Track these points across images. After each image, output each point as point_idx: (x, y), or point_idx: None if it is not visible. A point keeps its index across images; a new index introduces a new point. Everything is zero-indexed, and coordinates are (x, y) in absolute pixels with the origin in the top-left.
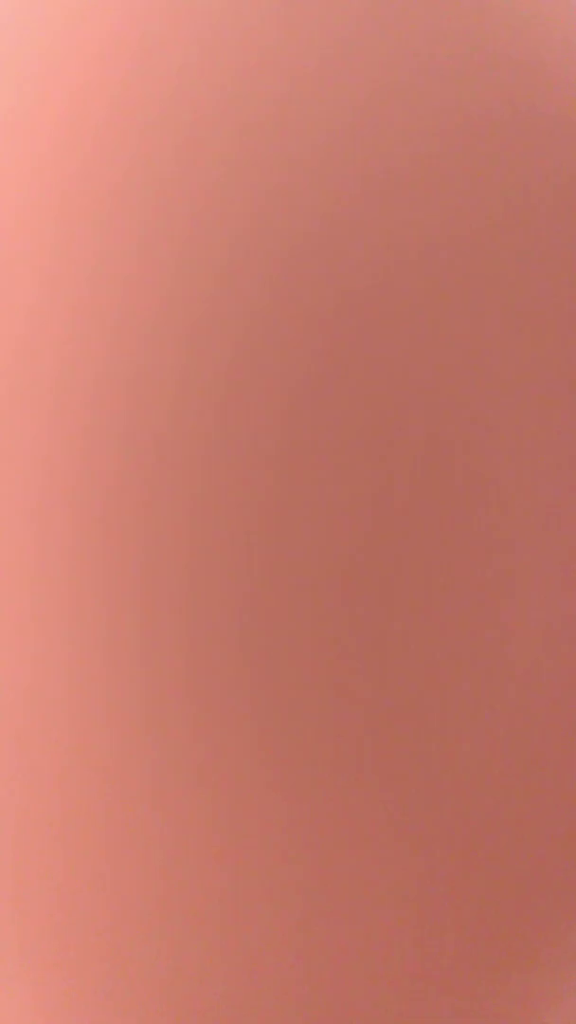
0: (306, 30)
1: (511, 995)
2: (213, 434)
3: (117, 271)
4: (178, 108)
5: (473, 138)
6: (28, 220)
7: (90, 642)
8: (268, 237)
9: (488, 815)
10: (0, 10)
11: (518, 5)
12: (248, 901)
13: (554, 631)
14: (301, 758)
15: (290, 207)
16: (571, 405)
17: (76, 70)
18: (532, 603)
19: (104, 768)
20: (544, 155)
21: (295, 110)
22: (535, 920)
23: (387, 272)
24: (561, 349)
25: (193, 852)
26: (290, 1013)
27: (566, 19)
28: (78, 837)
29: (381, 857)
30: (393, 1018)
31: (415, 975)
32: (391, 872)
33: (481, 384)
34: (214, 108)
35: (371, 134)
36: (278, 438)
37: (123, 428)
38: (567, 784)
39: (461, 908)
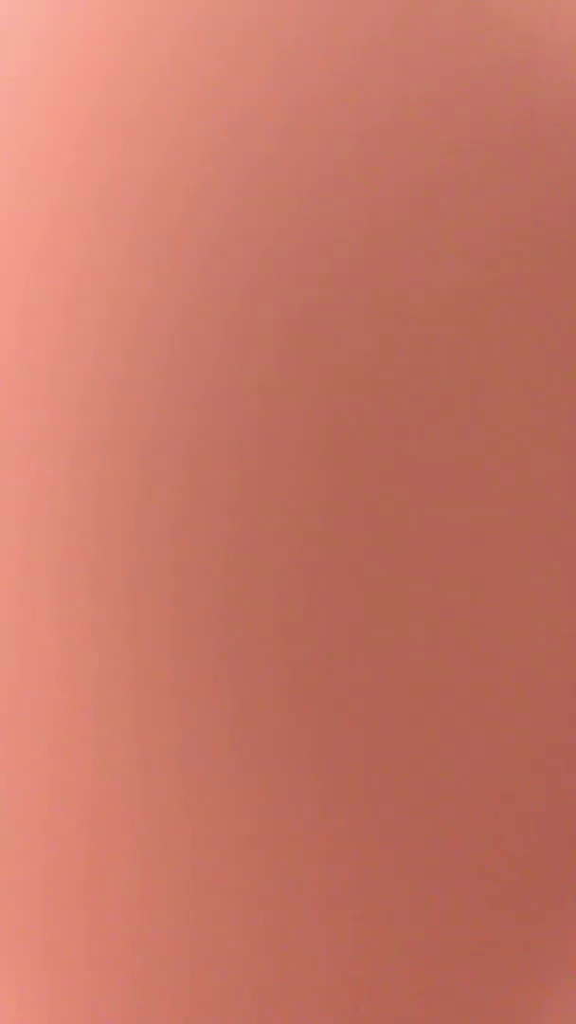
0: (302, 32)
1: (511, 995)
2: (203, 433)
3: (105, 271)
4: (169, 103)
5: (476, 144)
6: (19, 217)
7: (78, 638)
8: (267, 236)
9: (488, 814)
10: None
11: (519, 13)
12: (237, 900)
13: (553, 632)
14: (291, 757)
15: (286, 202)
16: (571, 405)
17: (68, 61)
18: (532, 603)
19: (89, 763)
20: (547, 161)
21: (292, 109)
22: (535, 919)
23: (388, 274)
24: (562, 349)
25: (176, 848)
26: (284, 1012)
27: (568, 26)
28: (63, 832)
29: (380, 857)
30: (393, 1018)
31: (414, 975)
32: (390, 872)
33: (482, 384)
34: (207, 101)
35: (371, 133)
36: (267, 437)
37: (111, 430)
38: (567, 784)
39: (460, 908)
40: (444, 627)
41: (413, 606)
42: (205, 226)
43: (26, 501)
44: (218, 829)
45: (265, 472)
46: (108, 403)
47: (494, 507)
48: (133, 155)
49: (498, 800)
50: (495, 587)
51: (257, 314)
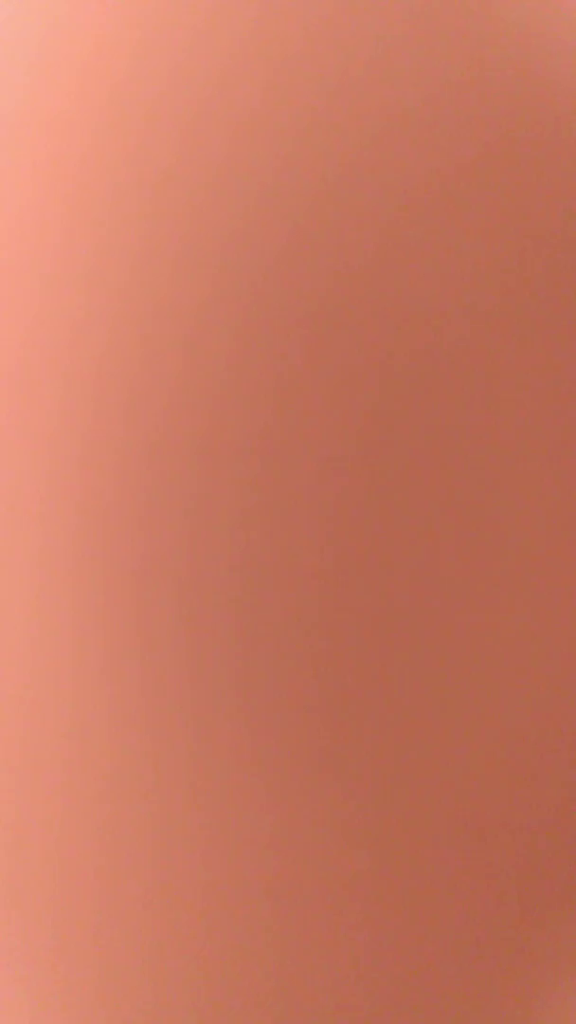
0: (305, 40)
1: (511, 995)
2: (211, 432)
3: (115, 275)
4: (174, 109)
5: (477, 148)
6: (28, 222)
7: (89, 641)
8: (267, 238)
9: (488, 814)
10: None
11: (522, 16)
12: (241, 898)
13: (554, 628)
14: (298, 756)
15: (289, 204)
16: (571, 406)
17: (73, 66)
18: (538, 604)
19: (101, 765)
20: (549, 165)
21: (293, 112)
22: (535, 919)
23: (390, 274)
24: (563, 349)
25: (187, 851)
26: (283, 1012)
27: (570, 29)
28: (75, 832)
29: (379, 857)
30: (394, 1016)
31: (414, 975)
32: (390, 872)
33: (483, 385)
34: (211, 105)
35: (373, 133)
36: (275, 437)
37: (122, 430)
38: (568, 783)
39: (461, 907)
40: (450, 628)
41: (420, 606)
42: (211, 233)
43: (36, 508)
44: (227, 827)
45: (274, 476)
46: (118, 404)
47: (500, 511)
48: (140, 156)
49: (499, 800)
50: (501, 591)
51: (263, 319)
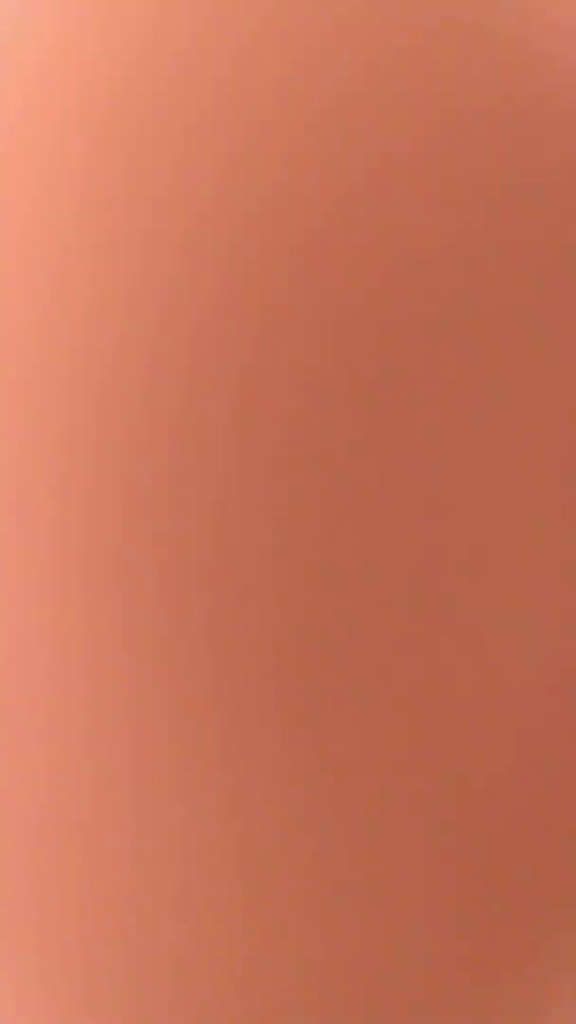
0: (304, 23)
1: (511, 995)
2: (224, 436)
3: (119, 281)
4: (173, 119)
5: (476, 131)
6: (29, 234)
7: (69, 635)
8: (268, 240)
9: (488, 813)
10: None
11: (522, 16)
12: (231, 901)
13: (556, 627)
14: (291, 751)
15: (288, 205)
16: (572, 407)
17: (74, 74)
18: (534, 599)
19: (125, 759)
20: (550, 148)
21: (292, 106)
22: (535, 919)
23: (387, 270)
24: (563, 348)
25: (210, 843)
26: (286, 1011)
27: (572, 10)
28: (98, 822)
29: (380, 858)
30: (392, 1018)
31: (414, 975)
32: (390, 872)
33: (483, 385)
34: (212, 110)
35: (372, 131)
36: (261, 431)
37: (100, 415)
38: (568, 783)
39: (460, 907)
40: (442, 622)
41: (410, 601)
42: (191, 211)
43: (15, 493)
44: (212, 824)
45: (257, 463)
46: (97, 383)
47: (495, 508)
48: (138, 163)
49: (497, 799)
50: (495, 584)
51: (253, 301)
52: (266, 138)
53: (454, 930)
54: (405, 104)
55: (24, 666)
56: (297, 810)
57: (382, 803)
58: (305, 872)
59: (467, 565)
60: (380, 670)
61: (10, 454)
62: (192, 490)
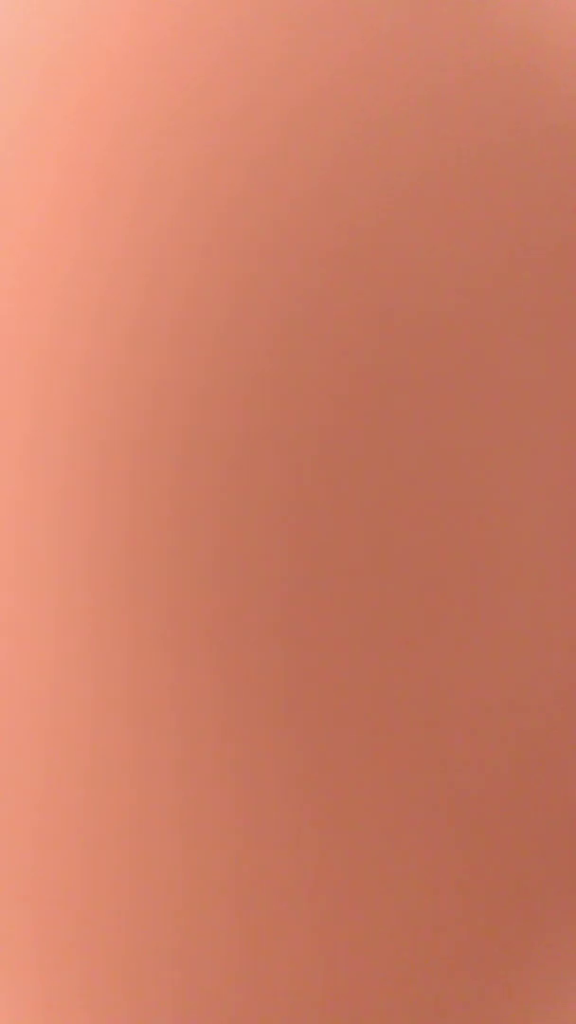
0: (309, 45)
1: (511, 995)
2: (199, 426)
3: (101, 262)
4: (185, 138)
5: (478, 149)
6: (41, 249)
7: (73, 630)
8: (270, 245)
9: (489, 812)
10: (5, 32)
11: (523, 16)
12: (229, 899)
13: (557, 622)
14: (292, 752)
15: (287, 189)
16: (572, 407)
17: (85, 83)
18: (532, 601)
19: (127, 756)
20: (549, 166)
21: (298, 127)
22: (535, 920)
23: (393, 284)
24: (564, 353)
25: (211, 840)
26: (286, 1008)
27: (571, 30)
28: (99, 819)
29: (379, 858)
30: (392, 1018)
31: (414, 974)
32: (390, 873)
33: (484, 389)
34: (219, 127)
35: (378, 147)
36: (267, 433)
37: (108, 418)
38: (568, 783)
39: (459, 907)
40: (443, 622)
41: (411, 599)
42: (202, 222)
43: (22, 490)
44: (213, 821)
45: (262, 464)
46: (106, 386)
47: (495, 507)
48: (127, 150)
49: (497, 799)
50: (495, 584)
51: (256, 305)
52: (270, 168)
53: (454, 929)
54: (410, 130)
55: (27, 664)
56: (298, 808)
57: (383, 801)
58: (305, 870)
59: (468, 565)
60: (380, 670)
61: (16, 455)
62: (198, 489)
